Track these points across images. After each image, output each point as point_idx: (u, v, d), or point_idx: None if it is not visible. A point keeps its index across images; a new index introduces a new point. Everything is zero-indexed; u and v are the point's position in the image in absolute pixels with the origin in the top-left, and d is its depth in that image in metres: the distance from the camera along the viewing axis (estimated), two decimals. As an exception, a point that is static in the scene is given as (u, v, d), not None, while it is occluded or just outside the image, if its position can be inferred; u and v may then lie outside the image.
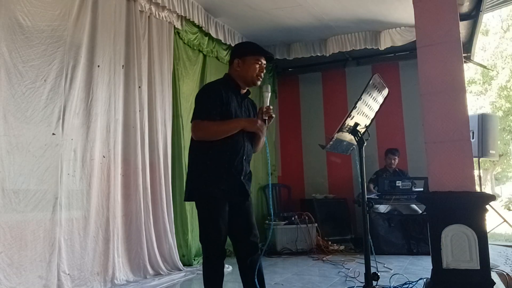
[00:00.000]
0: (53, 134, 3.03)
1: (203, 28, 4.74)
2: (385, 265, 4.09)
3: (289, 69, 6.92)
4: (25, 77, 2.87)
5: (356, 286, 3.29)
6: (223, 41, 5.13)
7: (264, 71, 2.36)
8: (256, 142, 2.37)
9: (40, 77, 2.97)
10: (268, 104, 2.31)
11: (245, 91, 2.39)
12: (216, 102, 2.21)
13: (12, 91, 2.79)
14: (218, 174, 2.21)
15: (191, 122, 2.25)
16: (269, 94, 2.36)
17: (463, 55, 4.20)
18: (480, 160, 5.18)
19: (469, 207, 2.72)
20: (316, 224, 5.34)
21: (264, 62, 2.35)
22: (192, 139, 2.30)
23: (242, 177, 2.28)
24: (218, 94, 2.23)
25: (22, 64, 2.85)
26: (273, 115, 2.30)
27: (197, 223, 4.81)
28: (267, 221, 5.48)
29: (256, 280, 2.24)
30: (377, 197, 5.12)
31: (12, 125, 2.78)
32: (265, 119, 2.27)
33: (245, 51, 2.37)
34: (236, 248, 2.34)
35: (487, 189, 17.07)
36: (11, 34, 2.79)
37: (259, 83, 2.35)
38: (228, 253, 4.96)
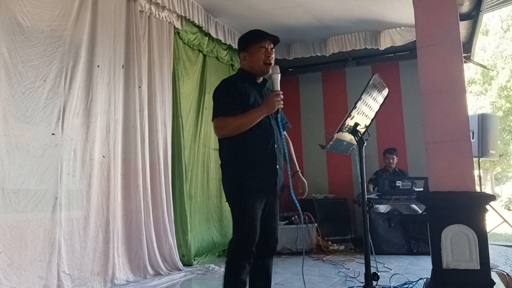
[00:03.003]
0: (53, 134, 3.03)
1: (203, 28, 4.74)
2: (385, 265, 4.09)
3: (289, 69, 6.91)
4: (25, 77, 2.87)
5: (356, 286, 3.29)
6: (223, 41, 5.13)
7: (273, 55, 2.25)
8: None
9: (39, 77, 2.97)
10: (278, 87, 2.21)
11: (261, 80, 2.32)
12: (234, 95, 2.15)
13: (12, 91, 2.79)
14: (252, 166, 2.14)
15: (212, 120, 2.18)
16: (279, 75, 2.23)
17: (463, 55, 4.21)
18: (480, 160, 5.18)
19: (469, 207, 2.72)
20: (316, 224, 5.34)
21: (269, 46, 2.25)
22: (219, 138, 2.23)
23: (277, 166, 2.20)
24: (234, 87, 2.18)
25: (21, 64, 2.85)
26: (281, 104, 2.17)
27: (197, 223, 4.83)
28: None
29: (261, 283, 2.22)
30: (377, 197, 5.12)
31: (12, 125, 2.77)
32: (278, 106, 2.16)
33: (246, 41, 2.30)
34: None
35: (487, 189, 17.08)
36: (10, 34, 2.79)
37: (270, 69, 2.24)
38: (223, 253, 4.98)
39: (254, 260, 2.23)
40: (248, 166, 2.14)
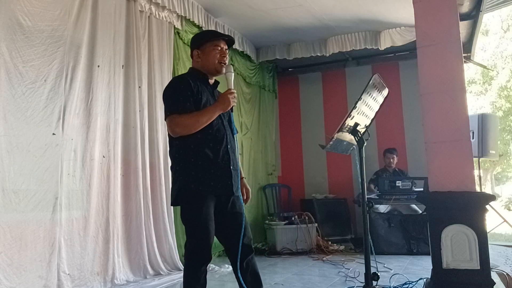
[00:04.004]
0: (53, 134, 3.03)
1: (203, 28, 4.74)
2: (385, 265, 4.09)
3: (289, 69, 6.92)
4: (25, 77, 2.87)
5: (356, 286, 3.29)
6: (223, 41, 5.12)
7: (227, 56, 2.24)
8: None
9: (40, 77, 2.97)
10: (232, 86, 2.17)
11: (213, 81, 2.29)
12: (187, 93, 2.10)
13: (12, 91, 2.79)
14: (205, 169, 2.09)
15: (165, 119, 2.13)
16: (233, 74, 2.21)
17: (463, 55, 4.21)
18: (480, 160, 5.18)
19: (469, 207, 2.72)
20: (316, 224, 5.35)
21: (224, 47, 2.24)
22: (170, 138, 2.18)
23: (231, 167, 2.17)
24: (187, 85, 2.13)
25: (22, 64, 2.85)
26: (235, 102, 2.16)
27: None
28: (267, 221, 5.48)
29: (251, 281, 2.17)
30: (377, 197, 5.12)
31: (12, 125, 2.78)
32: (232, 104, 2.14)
33: (201, 39, 2.27)
34: (229, 251, 2.22)
35: (487, 189, 17.07)
36: (11, 34, 2.79)
37: (224, 70, 2.21)
38: (221, 253, 5.00)
39: (236, 263, 2.15)
40: (200, 169, 2.09)
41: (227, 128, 2.22)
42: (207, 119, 2.09)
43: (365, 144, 2.61)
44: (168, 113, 2.11)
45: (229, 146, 2.19)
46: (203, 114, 2.09)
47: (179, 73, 4.47)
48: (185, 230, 2.15)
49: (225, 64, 2.22)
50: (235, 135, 2.26)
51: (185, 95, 2.10)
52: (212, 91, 2.26)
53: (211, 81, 2.29)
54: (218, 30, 5.01)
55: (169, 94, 2.17)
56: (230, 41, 2.30)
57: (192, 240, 2.10)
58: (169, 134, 2.18)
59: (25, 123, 2.86)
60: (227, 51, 2.27)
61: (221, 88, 2.35)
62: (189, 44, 4.55)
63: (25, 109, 2.86)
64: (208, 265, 2.16)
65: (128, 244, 3.65)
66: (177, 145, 2.16)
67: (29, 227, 2.83)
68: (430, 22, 3.03)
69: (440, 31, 2.99)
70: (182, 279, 3.75)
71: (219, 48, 2.22)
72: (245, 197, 2.31)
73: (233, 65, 5.53)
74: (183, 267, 4.03)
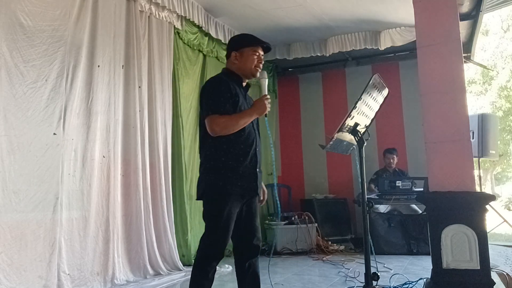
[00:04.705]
0: (54, 134, 3.03)
1: (203, 28, 4.75)
2: (385, 265, 4.10)
3: (289, 69, 6.92)
4: (26, 77, 2.88)
5: (356, 286, 3.29)
6: (223, 41, 5.13)
7: (263, 61, 2.32)
8: None
9: (41, 77, 2.97)
10: (266, 92, 2.29)
11: (245, 84, 2.36)
12: (227, 95, 2.17)
13: (13, 91, 2.79)
14: (235, 169, 2.15)
15: (205, 117, 2.17)
16: (267, 80, 2.33)
17: (463, 55, 4.21)
18: (480, 160, 5.18)
19: (469, 207, 2.72)
20: (316, 224, 5.35)
21: (261, 53, 2.32)
22: (203, 135, 2.23)
23: (257, 169, 2.24)
24: (227, 87, 2.19)
25: (23, 64, 2.86)
26: (270, 108, 2.25)
27: (197, 223, 4.83)
28: (267, 221, 5.48)
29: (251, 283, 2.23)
30: (377, 197, 5.12)
31: (13, 125, 2.78)
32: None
33: (242, 43, 2.33)
34: (237, 248, 2.28)
35: (487, 189, 17.07)
36: (12, 34, 2.80)
37: (258, 74, 2.30)
38: (227, 253, 5.00)
39: (241, 261, 2.25)
40: (230, 168, 2.15)
41: (256, 131, 2.30)
42: (245, 122, 2.17)
43: (365, 144, 2.61)
44: (209, 113, 2.15)
45: (257, 149, 2.26)
46: (241, 117, 2.17)
47: (179, 73, 4.49)
48: (205, 225, 2.18)
49: (260, 69, 2.30)
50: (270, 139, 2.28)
51: (226, 96, 2.17)
52: (244, 94, 2.33)
53: (244, 84, 2.35)
54: (218, 30, 5.03)
55: (210, 95, 2.20)
56: (267, 48, 2.36)
57: (210, 236, 2.14)
58: (202, 133, 2.25)
59: (26, 123, 2.86)
60: (263, 56, 2.34)
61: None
62: (189, 44, 4.62)
63: (26, 109, 2.86)
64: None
65: (128, 244, 3.65)
66: (210, 143, 2.20)
67: (29, 227, 2.83)
68: (430, 22, 3.03)
69: (440, 31, 2.99)
70: (182, 279, 3.77)
71: (257, 54, 2.30)
72: (261, 198, 2.36)
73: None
74: (184, 265, 4.05)
